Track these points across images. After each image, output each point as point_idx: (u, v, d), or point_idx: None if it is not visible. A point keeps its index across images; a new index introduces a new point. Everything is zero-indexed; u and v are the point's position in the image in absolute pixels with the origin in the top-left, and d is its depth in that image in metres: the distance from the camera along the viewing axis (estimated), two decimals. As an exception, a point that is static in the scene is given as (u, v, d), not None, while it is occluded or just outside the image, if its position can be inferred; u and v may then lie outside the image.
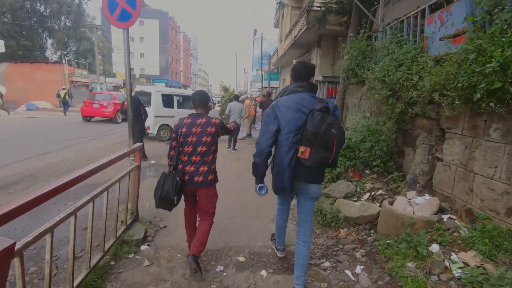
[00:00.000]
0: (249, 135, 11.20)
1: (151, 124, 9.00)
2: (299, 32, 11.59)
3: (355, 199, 3.74)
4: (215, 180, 2.51)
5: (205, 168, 2.39)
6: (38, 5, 29.02)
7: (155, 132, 9.22)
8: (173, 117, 9.28)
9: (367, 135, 4.27)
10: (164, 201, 2.34)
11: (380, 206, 3.39)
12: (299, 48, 13.93)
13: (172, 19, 57.66)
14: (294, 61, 13.63)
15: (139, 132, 5.99)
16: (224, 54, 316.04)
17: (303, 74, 2.19)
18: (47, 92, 22.33)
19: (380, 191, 3.76)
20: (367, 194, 3.77)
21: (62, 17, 30.62)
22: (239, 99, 9.48)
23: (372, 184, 3.96)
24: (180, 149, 2.41)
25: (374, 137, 4.11)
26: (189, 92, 12.43)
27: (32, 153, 6.79)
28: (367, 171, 4.22)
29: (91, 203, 2.19)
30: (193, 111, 2.53)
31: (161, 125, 9.30)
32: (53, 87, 22.36)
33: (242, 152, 8.05)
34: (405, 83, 3.52)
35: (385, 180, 3.93)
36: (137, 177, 2.87)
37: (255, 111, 11.16)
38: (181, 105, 9.90)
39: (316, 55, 11.99)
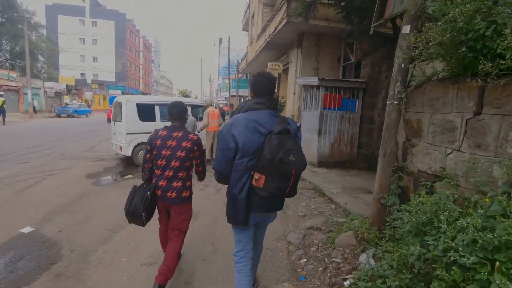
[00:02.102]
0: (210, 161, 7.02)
1: (123, 144, 6.70)
2: (275, 28, 9.54)
3: None
4: (190, 197, 2.41)
5: (179, 184, 2.29)
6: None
7: (130, 154, 6.75)
8: None
9: None
10: (133, 217, 2.24)
11: None
12: (274, 50, 11.92)
13: (130, 22, 53.34)
14: (270, 63, 11.54)
15: None
16: (189, 63, 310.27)
17: (266, 88, 1.85)
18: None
19: None
20: None
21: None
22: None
23: None
24: (154, 162, 2.31)
25: None
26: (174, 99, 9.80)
27: None
28: None
29: None
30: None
31: (138, 144, 6.76)
32: (-33, 91, 17.89)
33: (204, 199, 4.73)
34: None
35: None
36: None
37: (219, 125, 7.31)
38: (166, 117, 6.89)
39: (296, 57, 10.00)
